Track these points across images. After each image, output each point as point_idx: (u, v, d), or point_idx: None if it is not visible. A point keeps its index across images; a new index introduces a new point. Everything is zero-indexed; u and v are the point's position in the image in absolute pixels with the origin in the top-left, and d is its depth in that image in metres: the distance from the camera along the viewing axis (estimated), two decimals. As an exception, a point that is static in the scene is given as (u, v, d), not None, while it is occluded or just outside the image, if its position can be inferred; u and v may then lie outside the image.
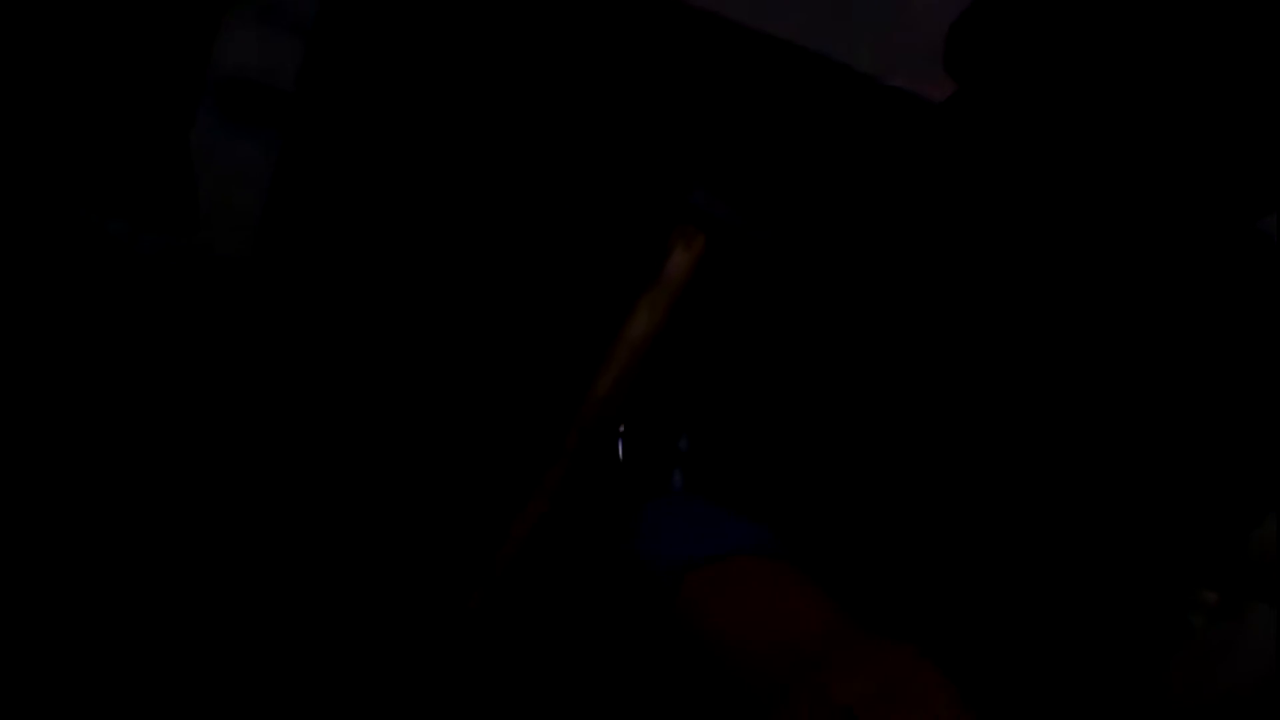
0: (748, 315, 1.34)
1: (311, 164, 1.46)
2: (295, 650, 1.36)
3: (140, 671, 1.32)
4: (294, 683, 1.35)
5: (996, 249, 1.27)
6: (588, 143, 1.38)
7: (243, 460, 1.46)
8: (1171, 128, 1.22)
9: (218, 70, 1.51)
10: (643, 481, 1.28)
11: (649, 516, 1.26)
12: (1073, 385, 1.29)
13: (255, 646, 1.36)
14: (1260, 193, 1.26)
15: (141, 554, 1.38)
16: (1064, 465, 1.27)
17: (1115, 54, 1.22)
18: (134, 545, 1.39)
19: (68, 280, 1.47)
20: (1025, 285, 1.26)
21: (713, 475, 1.29)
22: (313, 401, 1.46)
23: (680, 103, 1.38)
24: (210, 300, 1.50)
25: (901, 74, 1.41)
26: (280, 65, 1.49)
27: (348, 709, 1.36)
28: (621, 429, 1.29)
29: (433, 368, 1.44)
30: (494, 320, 1.42)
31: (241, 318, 1.49)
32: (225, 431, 1.48)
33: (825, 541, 1.28)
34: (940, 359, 1.29)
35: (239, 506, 1.43)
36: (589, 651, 1.31)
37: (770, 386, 1.31)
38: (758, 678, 1.15)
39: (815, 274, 1.32)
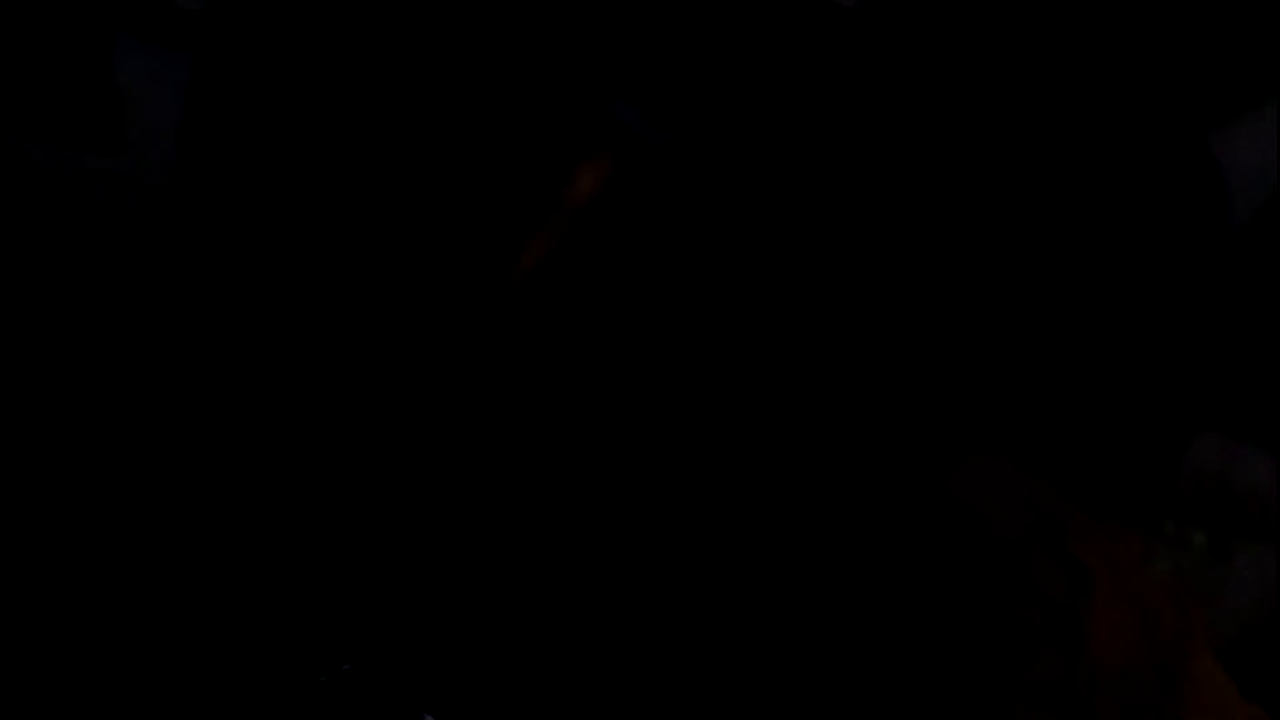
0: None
1: (225, 85, 1.43)
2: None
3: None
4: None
5: (917, 157, 1.28)
6: (508, 61, 1.34)
7: (171, 394, 1.43)
8: (1093, 39, 1.27)
9: None
10: None
11: None
12: (1009, 295, 1.26)
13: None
14: (1191, 107, 1.22)
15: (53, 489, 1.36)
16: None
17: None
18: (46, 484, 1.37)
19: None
20: (948, 197, 1.21)
21: None
22: (241, 329, 1.44)
23: (602, 14, 1.36)
24: (137, 227, 1.48)
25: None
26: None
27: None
28: None
29: (350, 292, 1.41)
30: (408, 237, 1.39)
31: (169, 245, 1.47)
32: (154, 362, 1.46)
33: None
34: (869, 275, 1.25)
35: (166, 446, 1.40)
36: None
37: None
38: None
39: (739, 189, 1.26)
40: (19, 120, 1.50)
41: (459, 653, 1.32)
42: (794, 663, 1.29)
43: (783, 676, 1.29)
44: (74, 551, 1.34)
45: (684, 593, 1.30)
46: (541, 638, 1.32)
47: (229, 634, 1.31)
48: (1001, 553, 1.25)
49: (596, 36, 1.37)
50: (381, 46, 1.35)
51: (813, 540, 1.30)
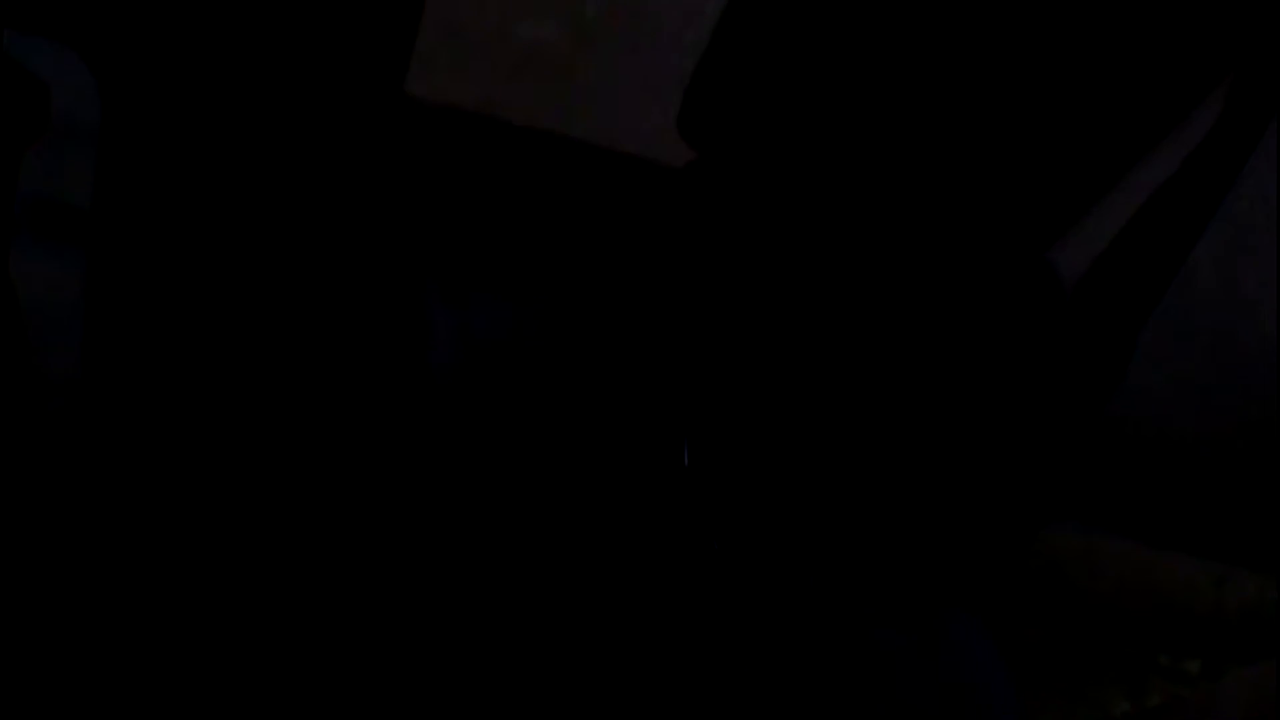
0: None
1: (118, 274, 1.42)
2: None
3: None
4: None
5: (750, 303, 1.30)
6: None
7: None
8: (915, 175, 1.25)
9: (24, 192, 1.47)
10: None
11: None
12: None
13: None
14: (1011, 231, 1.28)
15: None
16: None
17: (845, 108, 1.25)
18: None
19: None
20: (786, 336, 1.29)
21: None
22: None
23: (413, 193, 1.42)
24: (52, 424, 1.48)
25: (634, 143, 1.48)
26: (79, 181, 1.45)
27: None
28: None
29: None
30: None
31: (83, 438, 1.46)
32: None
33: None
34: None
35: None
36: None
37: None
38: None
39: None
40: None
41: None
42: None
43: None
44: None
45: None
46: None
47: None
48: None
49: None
50: (267, 231, 1.37)
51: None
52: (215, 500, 1.38)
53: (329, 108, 1.35)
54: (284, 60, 1.33)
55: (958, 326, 1.27)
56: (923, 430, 1.28)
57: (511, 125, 1.58)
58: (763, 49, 1.27)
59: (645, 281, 1.34)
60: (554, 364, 1.43)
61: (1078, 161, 1.25)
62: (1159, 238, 1.30)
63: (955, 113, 1.22)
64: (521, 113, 1.76)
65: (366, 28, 1.36)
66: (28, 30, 1.35)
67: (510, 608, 1.35)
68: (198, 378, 1.38)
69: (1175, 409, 1.86)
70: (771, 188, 1.28)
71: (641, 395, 1.33)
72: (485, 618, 1.36)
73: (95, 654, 1.32)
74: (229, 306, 1.36)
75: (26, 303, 1.49)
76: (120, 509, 1.38)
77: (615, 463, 1.35)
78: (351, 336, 1.40)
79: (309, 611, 1.36)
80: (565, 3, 2.07)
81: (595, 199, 1.52)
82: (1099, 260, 1.31)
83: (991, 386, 1.29)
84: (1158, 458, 1.86)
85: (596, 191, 1.52)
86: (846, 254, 1.27)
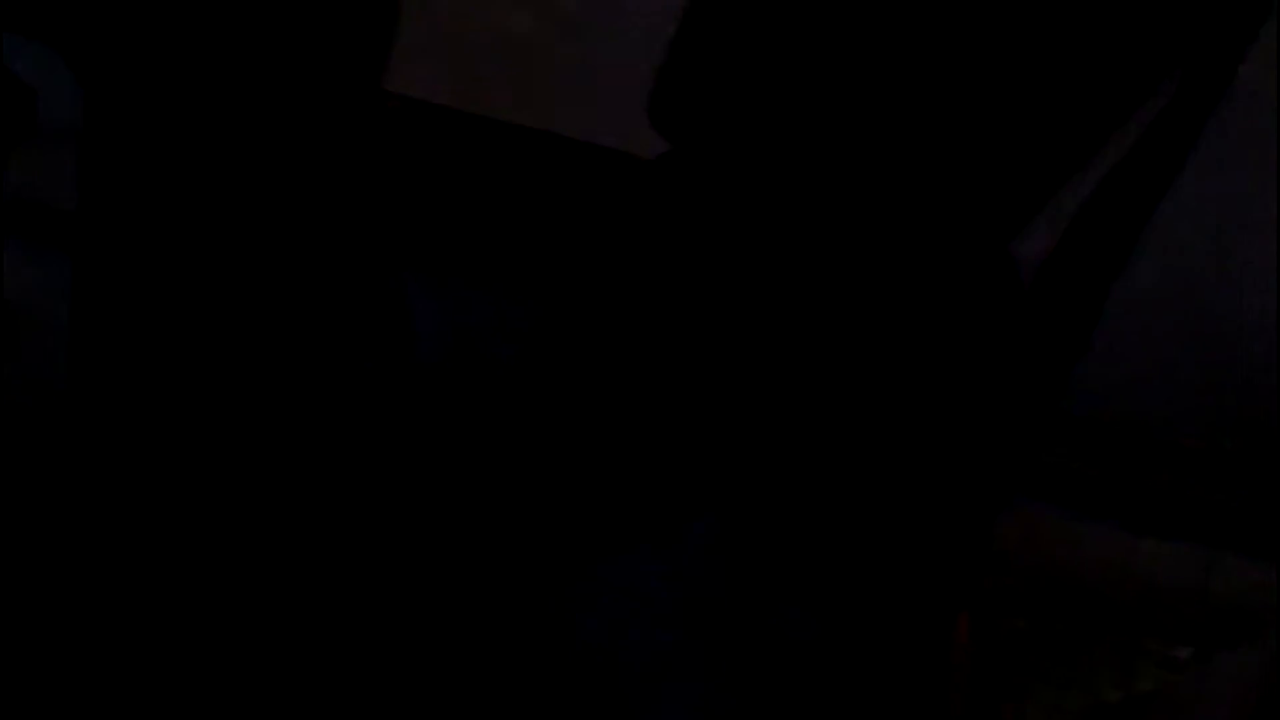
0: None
1: (104, 277, 1.42)
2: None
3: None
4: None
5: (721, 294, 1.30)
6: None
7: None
8: (884, 167, 1.26)
9: (6, 193, 1.47)
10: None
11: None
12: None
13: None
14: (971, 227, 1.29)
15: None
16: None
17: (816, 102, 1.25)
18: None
19: None
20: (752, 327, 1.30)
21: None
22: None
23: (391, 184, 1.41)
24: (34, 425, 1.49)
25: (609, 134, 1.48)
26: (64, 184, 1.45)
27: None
28: None
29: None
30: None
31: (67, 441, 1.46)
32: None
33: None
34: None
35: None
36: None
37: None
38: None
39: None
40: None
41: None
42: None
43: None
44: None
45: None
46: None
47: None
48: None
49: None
50: (249, 230, 1.37)
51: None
52: (203, 503, 1.38)
53: (309, 105, 1.35)
54: (264, 59, 1.33)
55: (920, 315, 1.29)
56: (890, 415, 1.29)
57: (491, 119, 1.58)
58: (729, 38, 1.28)
59: (623, 273, 1.34)
60: (540, 355, 1.42)
61: (1038, 157, 1.27)
62: (1115, 215, 1.31)
63: (921, 107, 1.23)
64: (501, 107, 1.76)
65: (346, 24, 1.36)
66: (12, 33, 1.34)
67: (501, 607, 1.36)
68: (183, 380, 1.38)
69: (1159, 396, 1.87)
70: (740, 177, 1.29)
71: (629, 387, 1.33)
72: (475, 616, 1.36)
73: (84, 653, 1.33)
74: (213, 308, 1.36)
75: (12, 307, 1.48)
76: (108, 515, 1.37)
77: (606, 451, 1.35)
78: (337, 333, 1.40)
79: (297, 611, 1.36)
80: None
81: (575, 192, 1.52)
82: (1059, 241, 1.32)
83: (952, 372, 1.30)
84: (1142, 445, 1.86)
85: (576, 184, 1.53)
86: (813, 243, 1.28)
